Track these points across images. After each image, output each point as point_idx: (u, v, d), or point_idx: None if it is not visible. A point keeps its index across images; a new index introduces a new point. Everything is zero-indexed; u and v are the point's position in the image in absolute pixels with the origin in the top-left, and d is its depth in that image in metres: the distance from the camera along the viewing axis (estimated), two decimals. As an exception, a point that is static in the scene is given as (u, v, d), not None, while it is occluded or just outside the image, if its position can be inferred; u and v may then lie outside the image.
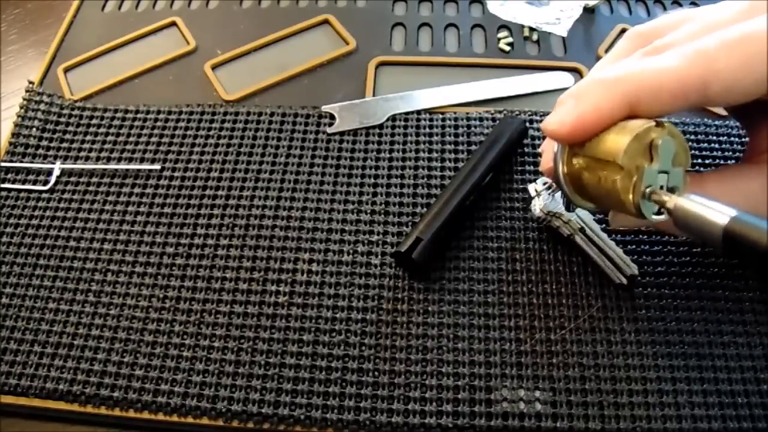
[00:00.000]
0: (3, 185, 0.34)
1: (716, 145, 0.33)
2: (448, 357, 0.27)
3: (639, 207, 0.23)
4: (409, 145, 0.34)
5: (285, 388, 0.27)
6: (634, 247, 0.30)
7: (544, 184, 0.30)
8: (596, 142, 0.23)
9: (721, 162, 0.33)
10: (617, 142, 0.22)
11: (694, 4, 0.41)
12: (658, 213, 0.23)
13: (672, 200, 0.22)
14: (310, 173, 0.33)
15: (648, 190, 0.22)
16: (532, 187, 0.30)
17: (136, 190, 0.33)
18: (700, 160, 0.33)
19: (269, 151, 0.34)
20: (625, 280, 0.28)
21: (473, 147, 0.33)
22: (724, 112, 0.35)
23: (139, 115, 0.36)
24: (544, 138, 0.34)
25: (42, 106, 0.37)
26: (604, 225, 0.30)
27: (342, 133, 0.35)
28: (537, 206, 0.30)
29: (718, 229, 0.21)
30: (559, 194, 0.30)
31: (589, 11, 0.41)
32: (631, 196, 0.23)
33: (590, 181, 0.24)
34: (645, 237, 0.30)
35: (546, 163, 0.27)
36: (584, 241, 0.29)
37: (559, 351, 0.27)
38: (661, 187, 0.23)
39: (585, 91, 0.23)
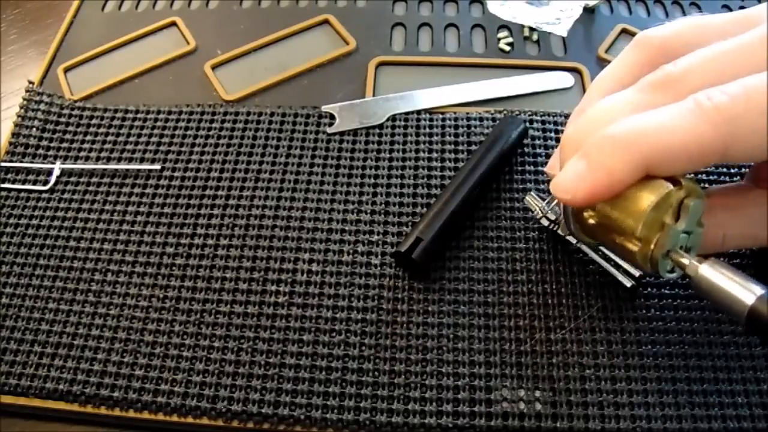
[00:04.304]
0: (3, 185, 0.34)
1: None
2: (448, 357, 0.27)
3: (656, 268, 0.22)
4: (409, 145, 0.34)
5: (285, 388, 0.27)
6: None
7: (540, 197, 0.30)
8: (611, 204, 0.23)
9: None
10: (634, 213, 0.22)
11: (694, 4, 0.41)
12: (672, 270, 0.23)
13: (693, 266, 0.22)
14: (310, 173, 0.33)
15: (669, 249, 0.22)
16: (530, 201, 0.30)
17: (136, 190, 0.33)
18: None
19: (269, 151, 0.34)
20: (634, 283, 0.28)
21: (473, 147, 0.33)
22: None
23: (139, 115, 0.36)
24: (545, 140, 0.34)
25: (42, 106, 0.37)
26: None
27: (342, 133, 0.35)
28: (542, 218, 0.29)
29: (742, 307, 0.20)
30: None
31: (589, 11, 0.41)
32: (649, 264, 0.22)
33: (605, 239, 0.24)
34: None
35: (555, 190, 0.25)
36: (590, 248, 0.28)
37: (559, 351, 0.27)
38: (681, 247, 0.22)
39: (597, 152, 0.22)
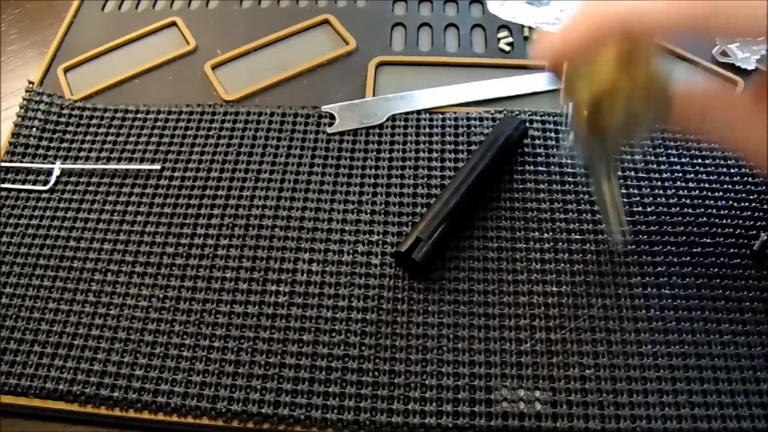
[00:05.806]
0: (3, 185, 0.34)
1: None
2: (448, 357, 0.27)
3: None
4: (409, 145, 0.34)
5: (285, 388, 0.27)
6: (634, 247, 0.30)
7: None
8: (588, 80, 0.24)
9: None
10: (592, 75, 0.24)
11: None
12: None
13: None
14: (310, 173, 0.33)
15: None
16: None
17: (136, 190, 0.33)
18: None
19: (269, 151, 0.34)
20: (620, 247, 0.28)
21: (473, 147, 0.33)
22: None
23: (139, 115, 0.36)
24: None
25: (42, 106, 0.37)
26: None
27: (342, 133, 0.35)
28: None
29: None
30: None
31: (589, 11, 0.41)
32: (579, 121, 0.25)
33: (590, 127, 0.26)
34: (645, 237, 0.30)
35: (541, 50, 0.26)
36: (601, 183, 0.27)
37: (559, 351, 0.27)
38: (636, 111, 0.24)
39: (575, 16, 0.23)
